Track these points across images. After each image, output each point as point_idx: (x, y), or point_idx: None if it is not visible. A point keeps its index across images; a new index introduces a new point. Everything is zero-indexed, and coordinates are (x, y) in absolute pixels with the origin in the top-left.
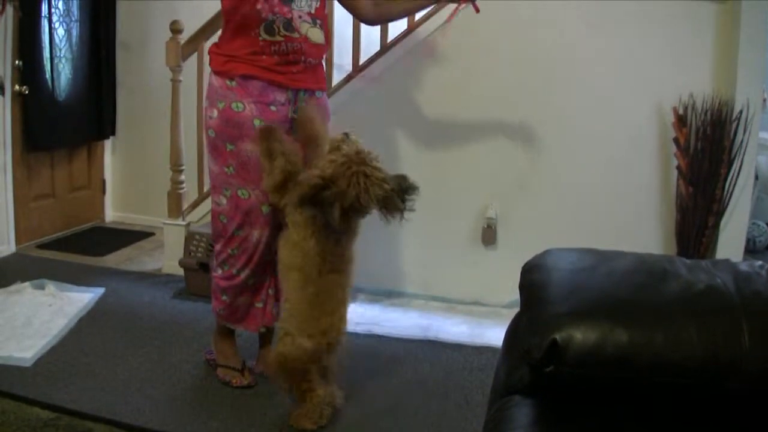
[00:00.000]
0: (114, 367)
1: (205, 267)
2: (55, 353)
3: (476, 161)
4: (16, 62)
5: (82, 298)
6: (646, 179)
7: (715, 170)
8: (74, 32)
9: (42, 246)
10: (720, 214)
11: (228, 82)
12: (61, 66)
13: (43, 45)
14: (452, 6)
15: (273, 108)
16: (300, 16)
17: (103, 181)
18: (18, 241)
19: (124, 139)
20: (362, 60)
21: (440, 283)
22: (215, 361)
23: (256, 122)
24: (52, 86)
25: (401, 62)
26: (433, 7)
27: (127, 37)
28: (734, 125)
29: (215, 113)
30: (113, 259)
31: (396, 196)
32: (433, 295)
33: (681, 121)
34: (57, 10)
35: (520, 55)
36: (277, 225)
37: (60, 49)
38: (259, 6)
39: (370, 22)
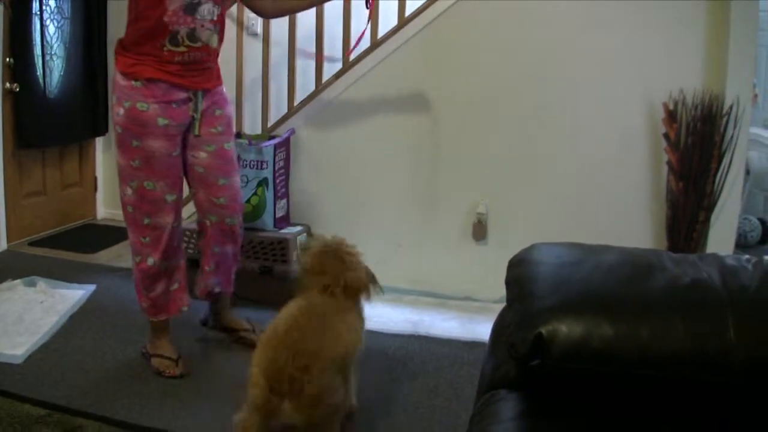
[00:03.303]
0: (105, 363)
1: (195, 263)
2: (46, 350)
3: (466, 157)
4: (7, 60)
5: (74, 295)
6: (636, 175)
7: (706, 165)
8: (66, 30)
9: (33, 243)
10: (710, 209)
11: (134, 83)
12: (52, 63)
13: (35, 42)
14: None
15: (174, 105)
16: (203, 25)
17: (95, 179)
18: (9, 239)
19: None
20: (353, 56)
21: (431, 279)
22: (148, 353)
23: (160, 120)
24: (44, 84)
25: (392, 58)
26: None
27: (119, 34)
28: (724, 120)
29: (122, 111)
30: (105, 256)
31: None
32: (424, 291)
33: (671, 116)
34: (48, 8)
35: (509, 51)
36: (180, 212)
37: (51, 47)
38: (166, 19)
39: (266, 16)
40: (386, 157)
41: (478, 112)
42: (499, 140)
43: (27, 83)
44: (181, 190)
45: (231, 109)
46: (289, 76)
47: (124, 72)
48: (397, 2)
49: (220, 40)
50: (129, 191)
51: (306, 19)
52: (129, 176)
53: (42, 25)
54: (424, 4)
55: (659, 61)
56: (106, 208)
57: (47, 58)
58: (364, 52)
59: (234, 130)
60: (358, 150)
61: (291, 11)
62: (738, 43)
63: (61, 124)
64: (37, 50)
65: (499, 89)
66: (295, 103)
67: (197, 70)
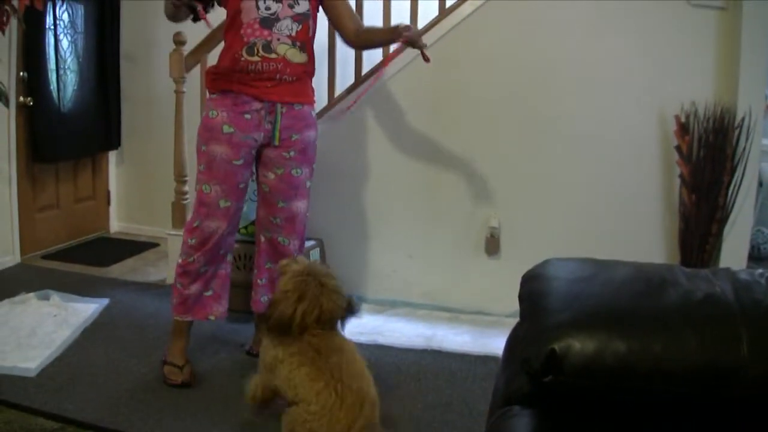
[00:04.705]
0: (118, 377)
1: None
2: (59, 364)
3: (479, 171)
4: (21, 74)
5: (87, 309)
6: (648, 187)
7: (718, 178)
8: (79, 44)
9: (47, 257)
10: (723, 221)
11: (211, 95)
12: (65, 77)
13: (48, 57)
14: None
15: (247, 116)
16: (279, 39)
17: (108, 192)
18: (23, 252)
19: (128, 151)
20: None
21: (444, 293)
22: (164, 359)
23: (225, 128)
24: (57, 98)
25: (404, 71)
26: None
27: (132, 49)
28: (736, 132)
29: (200, 120)
30: (118, 270)
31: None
32: (437, 305)
33: (683, 128)
34: (61, 22)
35: (521, 64)
36: (235, 222)
37: (65, 61)
38: (242, 31)
39: (351, 46)
40: (399, 171)
41: (491, 125)
42: (512, 154)
43: (40, 97)
44: (238, 200)
45: (311, 135)
46: None
47: (207, 87)
48: (409, 16)
49: (309, 57)
50: (195, 194)
51: None
52: (196, 180)
53: (56, 40)
54: (435, 18)
55: (671, 74)
56: (119, 221)
57: (61, 72)
58: (376, 66)
59: (311, 156)
60: (371, 163)
61: (369, 47)
62: (749, 55)
63: (74, 138)
64: (51, 64)
65: (510, 103)
66: None
67: (272, 80)
